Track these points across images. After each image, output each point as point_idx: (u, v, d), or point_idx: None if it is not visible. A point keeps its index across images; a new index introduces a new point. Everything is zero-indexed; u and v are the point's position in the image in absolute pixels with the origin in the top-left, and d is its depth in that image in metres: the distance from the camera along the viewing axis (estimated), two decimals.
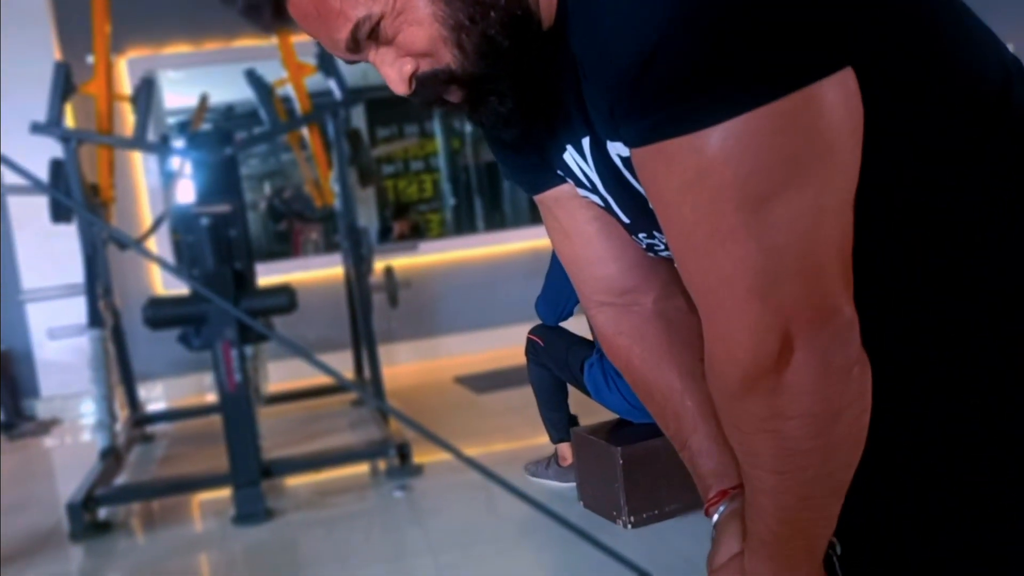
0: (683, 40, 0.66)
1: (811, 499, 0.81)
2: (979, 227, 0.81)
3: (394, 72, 0.80)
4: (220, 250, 3.36)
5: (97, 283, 4.08)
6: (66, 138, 3.98)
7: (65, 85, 4.01)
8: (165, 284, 5.72)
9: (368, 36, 0.79)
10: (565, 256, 1.02)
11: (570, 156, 0.89)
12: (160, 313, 3.30)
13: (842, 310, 0.73)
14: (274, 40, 5.16)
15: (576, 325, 3.21)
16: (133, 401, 4.73)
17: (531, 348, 3.35)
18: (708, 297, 0.74)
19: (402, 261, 5.82)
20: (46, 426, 5.41)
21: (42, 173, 4.55)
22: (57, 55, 5.54)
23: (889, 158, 0.77)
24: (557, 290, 3.26)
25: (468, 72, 0.79)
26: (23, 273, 5.51)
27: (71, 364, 5.46)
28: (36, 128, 3.95)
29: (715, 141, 0.67)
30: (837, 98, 0.68)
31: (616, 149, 0.80)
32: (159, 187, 5.62)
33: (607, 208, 0.92)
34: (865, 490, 0.90)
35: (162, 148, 4.18)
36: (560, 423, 3.33)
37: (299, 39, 4.89)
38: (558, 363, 3.22)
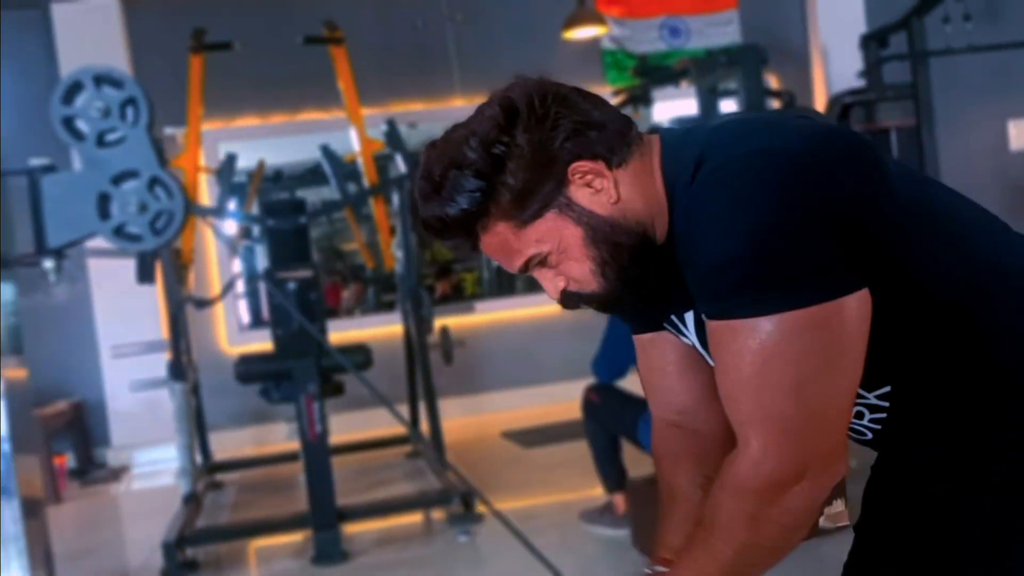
0: (735, 270, 1.01)
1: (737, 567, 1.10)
2: (979, 350, 1.11)
3: (552, 287, 1.17)
4: (303, 311, 3.69)
5: (180, 340, 4.43)
6: None
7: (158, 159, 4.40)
8: (230, 341, 6.07)
9: (538, 264, 1.16)
10: (646, 381, 1.36)
11: (676, 319, 1.23)
12: (250, 369, 3.63)
13: (839, 465, 1.06)
14: (338, 114, 5.58)
15: (630, 384, 3.51)
16: (205, 450, 5.04)
17: (588, 405, 3.64)
18: (752, 428, 1.05)
19: (448, 320, 6.13)
20: (116, 473, 5.73)
21: None
22: None
23: (912, 307, 1.09)
24: (614, 352, 3.56)
25: (610, 296, 1.15)
26: (100, 329, 5.88)
27: (141, 415, 5.80)
28: None
29: (769, 327, 1.01)
30: (858, 308, 1.02)
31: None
32: (227, 250, 5.99)
33: (698, 350, 1.24)
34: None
35: (245, 217, 4.54)
36: (614, 475, 3.61)
37: (368, 112, 5.30)
38: (614, 418, 3.51)
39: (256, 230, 5.45)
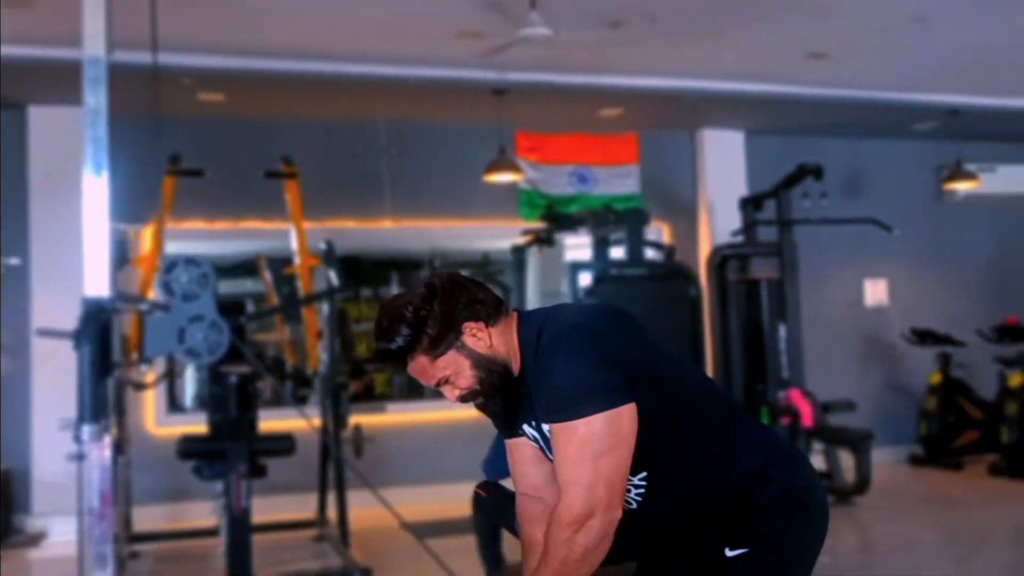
0: (566, 392, 1.77)
1: None
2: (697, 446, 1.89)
3: (451, 395, 1.90)
4: (242, 402, 4.32)
5: (122, 417, 4.97)
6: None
7: (120, 258, 5.03)
8: (157, 423, 6.57)
9: (444, 383, 1.89)
10: (512, 469, 2.07)
11: (526, 427, 1.97)
12: (191, 447, 4.22)
13: (616, 511, 1.79)
14: (277, 224, 6.28)
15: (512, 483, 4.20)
16: (127, 522, 5.50)
17: (476, 499, 4.30)
18: (566, 486, 1.79)
19: (358, 418, 6.73)
20: (35, 539, 6.10)
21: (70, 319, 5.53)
22: None
23: (646, 422, 1.83)
24: (500, 455, 4.26)
25: (483, 395, 1.89)
26: (35, 403, 6.32)
27: (64, 485, 6.21)
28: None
29: (582, 425, 1.76)
30: (629, 414, 1.78)
31: (547, 428, 1.88)
32: None
33: (541, 448, 1.98)
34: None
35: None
36: (494, 559, 4.27)
37: (306, 225, 6.00)
38: (497, 511, 4.17)
39: None
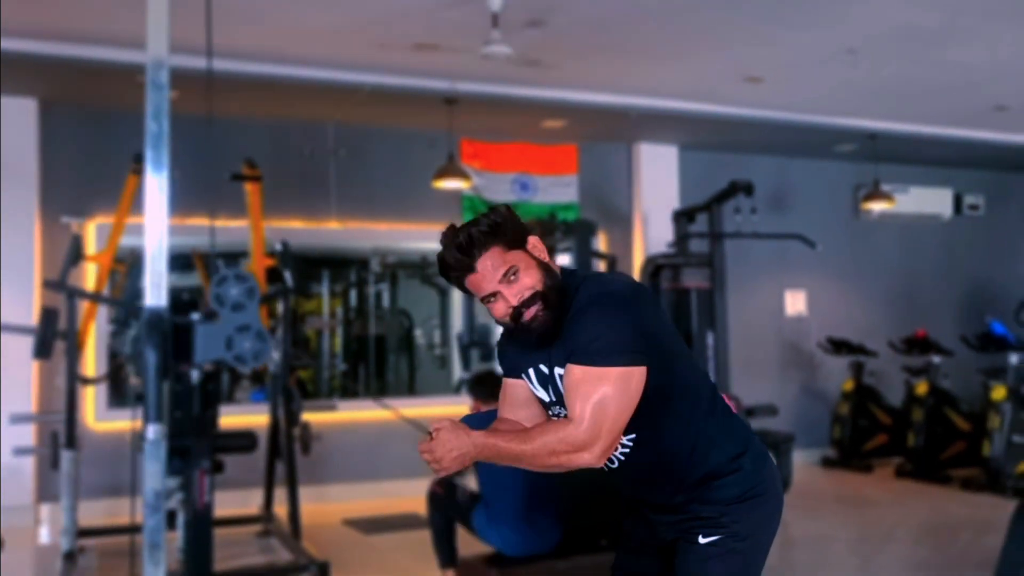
0: (599, 342, 1.99)
1: (520, 460, 2.02)
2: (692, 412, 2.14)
3: (512, 296, 2.06)
4: (204, 399, 4.41)
5: (74, 412, 4.99)
6: (71, 295, 4.98)
7: (75, 254, 5.06)
8: (97, 418, 6.56)
9: (508, 279, 2.07)
10: (502, 405, 2.28)
11: (532, 369, 2.18)
12: None
13: (603, 460, 2.03)
14: (226, 222, 6.32)
15: (467, 482, 4.40)
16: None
17: (432, 496, 4.50)
18: (580, 417, 1.98)
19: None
20: None
21: (23, 313, 5.52)
22: (37, 214, 6.55)
23: (665, 385, 2.08)
24: None
25: (545, 291, 2.06)
26: None
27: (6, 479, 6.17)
28: (48, 284, 4.95)
29: (600, 372, 1.99)
30: (639, 376, 2.02)
31: (558, 372, 2.09)
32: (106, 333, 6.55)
33: (541, 395, 2.19)
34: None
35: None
36: (448, 553, 4.46)
37: (269, 224, 6.07)
38: (453, 507, 4.38)
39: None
